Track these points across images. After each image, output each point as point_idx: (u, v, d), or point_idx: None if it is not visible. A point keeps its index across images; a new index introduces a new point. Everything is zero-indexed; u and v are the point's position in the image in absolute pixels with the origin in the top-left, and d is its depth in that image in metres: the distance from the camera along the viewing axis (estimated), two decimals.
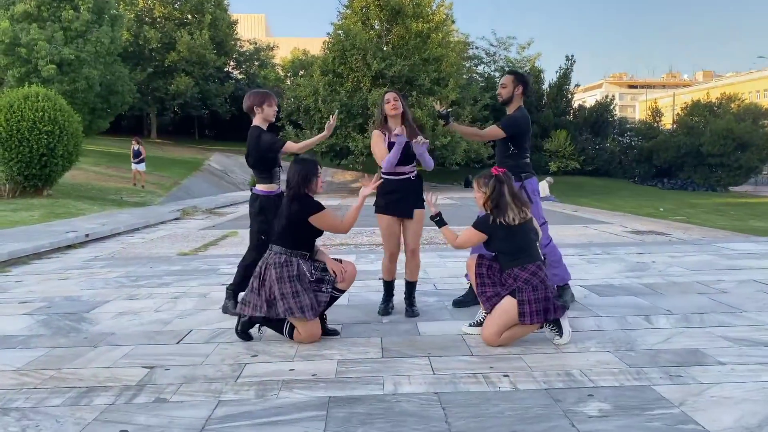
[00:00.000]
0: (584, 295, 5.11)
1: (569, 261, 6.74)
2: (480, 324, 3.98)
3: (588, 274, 6.09)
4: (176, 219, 14.07)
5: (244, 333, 3.99)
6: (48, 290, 5.84)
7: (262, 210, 4.50)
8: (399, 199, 4.47)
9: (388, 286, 4.74)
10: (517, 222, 3.78)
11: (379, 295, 4.81)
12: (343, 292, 4.08)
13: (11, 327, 4.46)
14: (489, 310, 3.80)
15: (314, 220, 3.89)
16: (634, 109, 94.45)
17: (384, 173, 4.51)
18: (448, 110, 4.64)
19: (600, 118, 43.43)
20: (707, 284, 5.48)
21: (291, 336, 3.89)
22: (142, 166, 21.16)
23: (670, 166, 40.77)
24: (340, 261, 4.06)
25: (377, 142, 4.52)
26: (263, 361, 3.57)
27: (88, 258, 8.11)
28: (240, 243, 9.37)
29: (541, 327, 3.78)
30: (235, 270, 4.82)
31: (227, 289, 4.78)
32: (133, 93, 30.45)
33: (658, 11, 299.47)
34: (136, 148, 20.92)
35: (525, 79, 4.86)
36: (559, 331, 3.73)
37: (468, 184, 40.06)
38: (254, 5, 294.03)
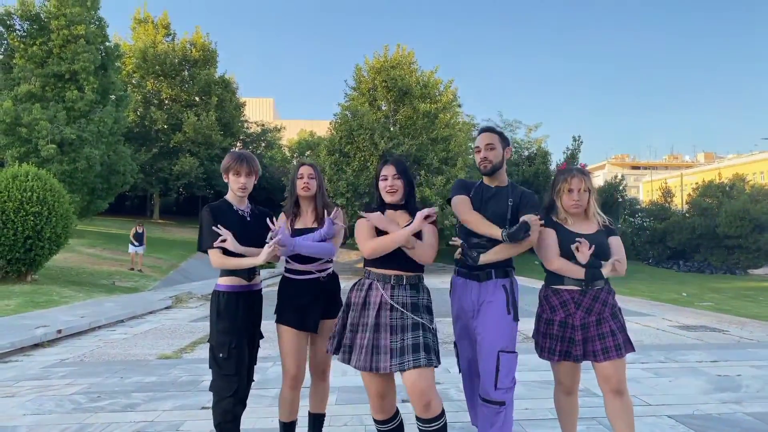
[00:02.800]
0: None
1: (634, 372, 5.48)
2: None
3: (667, 396, 4.78)
4: (167, 308, 12.81)
5: None
6: None
7: (219, 314, 3.19)
8: (304, 306, 3.30)
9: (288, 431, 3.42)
10: None
11: None
12: None
13: None
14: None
15: None
16: (638, 189, 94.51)
17: (287, 271, 3.41)
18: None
19: (610, 198, 42.72)
20: None
21: None
22: (141, 249, 20.37)
23: (685, 248, 39.63)
24: None
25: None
26: None
27: (51, 363, 6.83)
28: None
29: None
30: None
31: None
32: (135, 173, 29.84)
33: (657, 94, 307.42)
34: (140, 231, 20.29)
35: (507, 137, 3.52)
36: None
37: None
38: (263, 90, 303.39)
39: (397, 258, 2.89)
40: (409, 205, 3.06)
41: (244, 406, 3.19)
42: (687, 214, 41.12)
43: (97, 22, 26.59)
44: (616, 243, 3.19)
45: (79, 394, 5.23)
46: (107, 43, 27.35)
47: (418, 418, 2.78)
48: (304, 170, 3.47)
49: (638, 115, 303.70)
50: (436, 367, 2.76)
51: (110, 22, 29.54)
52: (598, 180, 56.97)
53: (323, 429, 3.60)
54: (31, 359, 7.12)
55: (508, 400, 2.99)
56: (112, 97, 27.22)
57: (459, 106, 40.76)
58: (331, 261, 3.45)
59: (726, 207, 37.26)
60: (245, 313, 3.22)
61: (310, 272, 3.34)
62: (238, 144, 47.98)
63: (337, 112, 28.97)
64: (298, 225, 3.41)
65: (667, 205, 44.16)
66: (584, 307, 3.10)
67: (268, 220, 3.16)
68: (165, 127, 40.88)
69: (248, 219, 3.32)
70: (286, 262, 3.42)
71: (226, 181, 3.34)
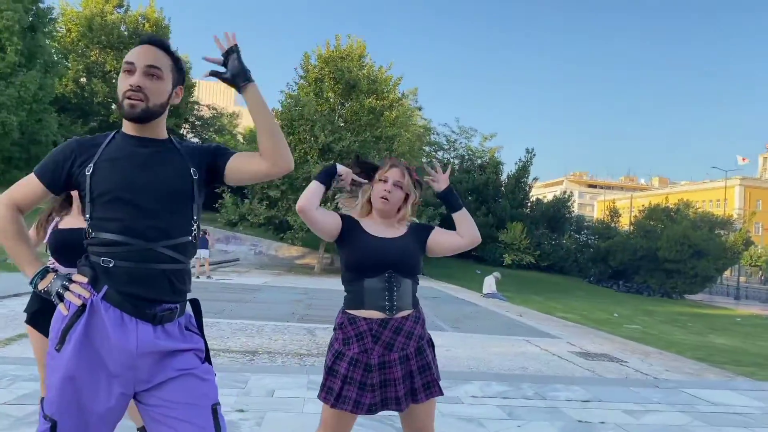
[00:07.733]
0: None
1: (485, 409, 4.62)
2: None
3: None
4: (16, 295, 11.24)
5: None
6: None
7: None
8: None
9: None
10: None
11: None
12: None
13: None
14: None
15: None
16: (593, 208, 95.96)
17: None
18: None
19: (557, 213, 42.71)
20: None
21: None
22: (205, 253, 17.92)
23: (626, 268, 39.78)
24: None
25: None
26: None
27: None
28: None
29: None
30: None
31: None
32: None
33: (619, 116, 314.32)
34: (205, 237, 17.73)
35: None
36: None
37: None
38: None
39: None
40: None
41: None
42: (631, 235, 41.31)
43: None
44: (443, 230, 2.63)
45: None
46: (40, 5, 25.67)
47: None
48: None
49: (599, 137, 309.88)
50: None
51: None
52: (553, 195, 57.05)
53: None
54: None
55: None
56: (40, 61, 25.51)
57: (420, 109, 39.96)
58: None
59: (668, 231, 37.47)
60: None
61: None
62: (185, 125, 46.47)
63: (281, 99, 27.83)
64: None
65: (612, 224, 44.35)
66: (383, 341, 2.29)
67: None
68: (108, 100, 39.00)
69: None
70: None
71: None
